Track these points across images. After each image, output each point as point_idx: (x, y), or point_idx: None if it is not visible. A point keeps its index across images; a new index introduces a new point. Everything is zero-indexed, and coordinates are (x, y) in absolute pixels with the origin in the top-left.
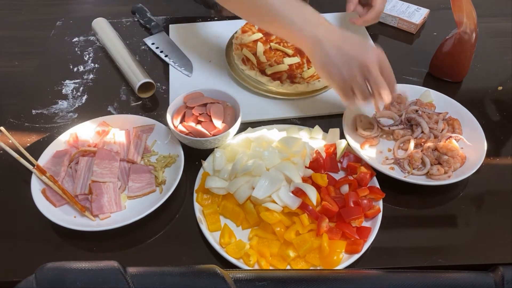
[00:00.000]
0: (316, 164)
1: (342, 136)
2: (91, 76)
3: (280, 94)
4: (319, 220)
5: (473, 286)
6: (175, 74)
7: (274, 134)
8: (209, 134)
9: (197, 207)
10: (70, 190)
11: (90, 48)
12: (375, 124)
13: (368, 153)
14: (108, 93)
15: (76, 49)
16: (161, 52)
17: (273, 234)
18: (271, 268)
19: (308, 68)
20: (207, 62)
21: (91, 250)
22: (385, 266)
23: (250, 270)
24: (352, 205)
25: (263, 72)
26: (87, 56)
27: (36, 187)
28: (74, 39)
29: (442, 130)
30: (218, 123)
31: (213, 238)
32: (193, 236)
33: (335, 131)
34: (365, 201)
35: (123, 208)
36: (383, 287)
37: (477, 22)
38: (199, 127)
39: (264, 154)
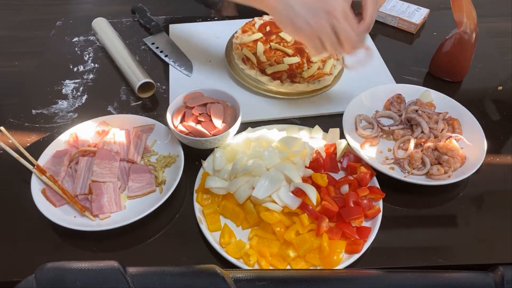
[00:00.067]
0: (316, 164)
1: (342, 136)
2: (91, 76)
3: (280, 93)
4: (319, 220)
5: (473, 286)
6: (175, 74)
7: (274, 134)
8: (209, 134)
9: (197, 207)
10: (70, 190)
11: (90, 48)
12: (375, 124)
13: (368, 153)
14: (108, 93)
15: (76, 49)
16: (161, 52)
17: (273, 234)
18: (271, 268)
19: (308, 68)
20: (207, 62)
21: (91, 250)
22: (385, 266)
23: (250, 270)
24: (352, 205)
25: (263, 71)
26: (87, 56)
27: (36, 187)
28: (74, 39)
29: (442, 130)
30: (218, 123)
31: (213, 238)
32: (193, 236)
33: (335, 131)
34: (365, 201)
35: (123, 208)
36: (383, 287)
37: (477, 22)
38: (199, 127)
39: (264, 154)
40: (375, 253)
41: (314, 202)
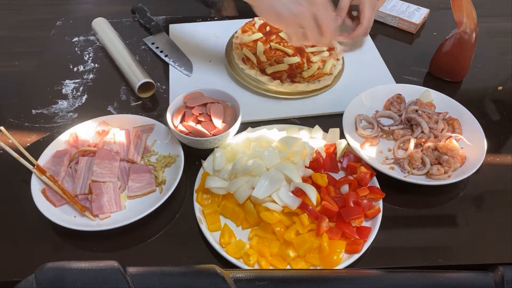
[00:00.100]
0: (316, 164)
1: (342, 136)
2: (91, 76)
3: (280, 93)
4: (319, 220)
5: (473, 286)
6: (175, 74)
7: (274, 134)
8: (209, 134)
9: (197, 207)
10: (70, 190)
11: (90, 48)
12: (375, 124)
13: (368, 153)
14: (108, 93)
15: (76, 49)
16: (161, 52)
17: (273, 234)
18: (271, 268)
19: (308, 68)
20: (207, 62)
21: (91, 250)
22: (385, 266)
23: (250, 270)
24: (352, 205)
25: (263, 71)
26: (87, 56)
27: (36, 187)
28: (74, 39)
29: (442, 130)
30: (218, 123)
31: (213, 238)
32: (193, 236)
33: (335, 131)
34: (365, 201)
35: (123, 208)
36: (383, 287)
37: (477, 22)
38: (199, 127)
39: (264, 154)
40: (375, 253)
41: (314, 202)
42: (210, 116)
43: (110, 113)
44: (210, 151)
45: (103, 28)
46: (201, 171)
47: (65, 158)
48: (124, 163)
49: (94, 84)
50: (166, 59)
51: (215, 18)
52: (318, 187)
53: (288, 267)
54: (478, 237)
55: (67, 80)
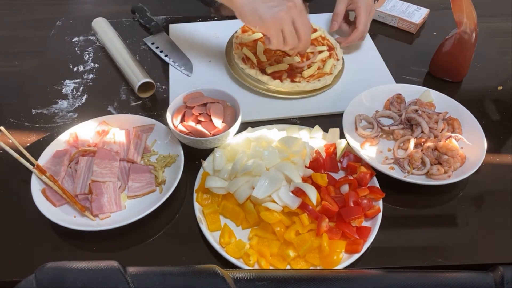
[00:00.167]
0: (316, 164)
1: (342, 136)
2: (91, 76)
3: (280, 93)
4: (319, 220)
5: (473, 286)
6: (175, 74)
7: (274, 134)
8: (209, 134)
9: (197, 207)
10: (70, 190)
11: (90, 48)
12: (375, 123)
13: (368, 152)
14: (108, 93)
15: (76, 49)
16: (161, 52)
17: (273, 234)
18: (271, 268)
19: (308, 68)
20: (207, 62)
21: (91, 250)
22: (385, 266)
23: (250, 270)
24: (352, 205)
25: (263, 71)
26: (87, 56)
27: (36, 187)
28: (74, 39)
29: (442, 130)
30: (218, 123)
31: (213, 238)
32: (193, 236)
33: (335, 131)
34: (365, 201)
35: (123, 208)
36: (383, 287)
37: (477, 22)
38: (199, 126)
39: (264, 154)
40: (375, 253)
41: (314, 202)
42: (210, 116)
43: (110, 113)
44: (210, 151)
45: (103, 28)
46: (201, 171)
47: (65, 158)
48: (124, 163)
49: (94, 84)
50: (166, 59)
51: (215, 18)
52: (318, 187)
53: (288, 267)
54: (478, 237)
55: (67, 80)
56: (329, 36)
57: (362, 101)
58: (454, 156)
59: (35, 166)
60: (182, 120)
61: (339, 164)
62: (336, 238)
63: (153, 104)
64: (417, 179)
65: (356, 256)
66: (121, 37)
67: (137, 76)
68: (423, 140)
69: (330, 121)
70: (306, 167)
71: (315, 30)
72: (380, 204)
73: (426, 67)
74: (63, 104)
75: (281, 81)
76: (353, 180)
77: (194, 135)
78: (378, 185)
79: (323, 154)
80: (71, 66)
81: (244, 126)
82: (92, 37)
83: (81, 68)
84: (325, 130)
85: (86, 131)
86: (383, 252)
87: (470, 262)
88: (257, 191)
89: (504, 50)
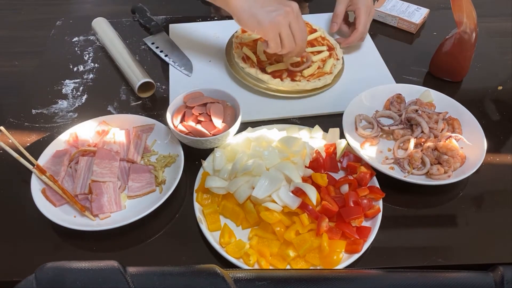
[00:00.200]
0: (316, 164)
1: (342, 136)
2: (91, 75)
3: (281, 91)
4: (319, 220)
5: (473, 286)
6: (175, 74)
7: (274, 133)
8: (209, 133)
9: (197, 206)
10: (70, 189)
11: (90, 48)
12: (375, 123)
13: (368, 152)
14: (108, 93)
15: (76, 49)
16: (161, 52)
17: (273, 234)
18: (271, 267)
19: (308, 67)
20: (207, 62)
21: (91, 250)
22: (385, 266)
23: (250, 269)
24: (352, 205)
25: (263, 70)
26: (87, 56)
27: (36, 187)
28: (74, 39)
29: (442, 130)
30: (218, 123)
31: (213, 238)
32: (193, 236)
33: (335, 131)
34: (365, 201)
35: (123, 208)
36: (383, 287)
37: (477, 22)
38: (199, 126)
39: (264, 153)
40: (375, 253)
41: (314, 202)
42: (210, 116)
43: (110, 113)
44: (210, 151)
45: (103, 28)
46: (201, 171)
47: (65, 158)
48: (124, 163)
49: (94, 84)
50: (166, 59)
51: (215, 18)
52: (318, 187)
53: (288, 267)
54: (478, 237)
55: (67, 80)
56: (329, 36)
57: (362, 101)
58: (454, 156)
59: (35, 166)
60: (182, 120)
61: (339, 164)
62: (336, 238)
63: (153, 104)
64: (417, 179)
65: (356, 256)
66: (121, 37)
67: (137, 76)
68: (423, 140)
69: (330, 121)
70: (306, 167)
71: (314, 31)
72: (380, 204)
73: (426, 67)
74: (63, 104)
75: (281, 80)
76: (353, 180)
77: (194, 135)
78: (378, 185)
79: (323, 154)
80: (71, 66)
81: (244, 126)
82: (92, 37)
83: (81, 68)
84: (325, 130)
85: (86, 131)
86: (383, 252)
87: (470, 262)
88: (257, 191)
89: (504, 50)
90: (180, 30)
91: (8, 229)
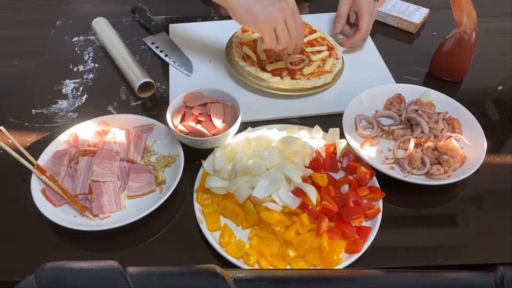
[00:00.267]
0: (316, 164)
1: (342, 136)
2: (91, 75)
3: (281, 90)
4: (319, 220)
5: (473, 286)
6: (175, 74)
7: (274, 133)
8: (209, 133)
9: (197, 206)
10: (70, 189)
11: (90, 48)
12: (375, 123)
13: (368, 152)
14: (108, 93)
15: (76, 48)
16: (161, 51)
17: (273, 234)
18: (271, 267)
19: (308, 66)
20: (207, 62)
21: (91, 250)
22: (385, 266)
23: (250, 269)
24: (352, 205)
25: (263, 68)
26: (87, 55)
27: (36, 186)
28: (74, 39)
29: (442, 130)
30: (218, 123)
31: (213, 238)
32: (193, 236)
33: (335, 131)
34: (365, 201)
35: (123, 208)
36: (383, 287)
37: (477, 22)
38: (199, 126)
39: (264, 153)
40: (375, 253)
41: (314, 202)
42: (210, 116)
43: (110, 113)
44: (210, 151)
45: (103, 28)
46: (201, 171)
47: (65, 158)
48: (124, 163)
49: (94, 84)
50: (166, 59)
51: (215, 18)
52: (318, 187)
53: (288, 267)
54: (478, 237)
55: (67, 80)
56: (328, 37)
57: (362, 101)
58: (454, 156)
59: (35, 166)
60: (182, 120)
61: (339, 164)
62: (336, 238)
63: (153, 104)
64: (417, 179)
65: (356, 256)
66: (121, 37)
67: (137, 76)
68: (423, 140)
69: (330, 121)
70: (306, 167)
71: (314, 31)
72: (380, 204)
73: (426, 67)
74: (63, 104)
75: (281, 78)
76: (353, 180)
77: (194, 135)
78: (378, 185)
79: (323, 154)
80: (71, 66)
81: (244, 126)
82: (92, 37)
83: (81, 68)
84: (325, 130)
85: (86, 131)
86: (383, 252)
87: (470, 262)
88: (257, 191)
89: (504, 50)
90: (180, 30)
91: (8, 229)
